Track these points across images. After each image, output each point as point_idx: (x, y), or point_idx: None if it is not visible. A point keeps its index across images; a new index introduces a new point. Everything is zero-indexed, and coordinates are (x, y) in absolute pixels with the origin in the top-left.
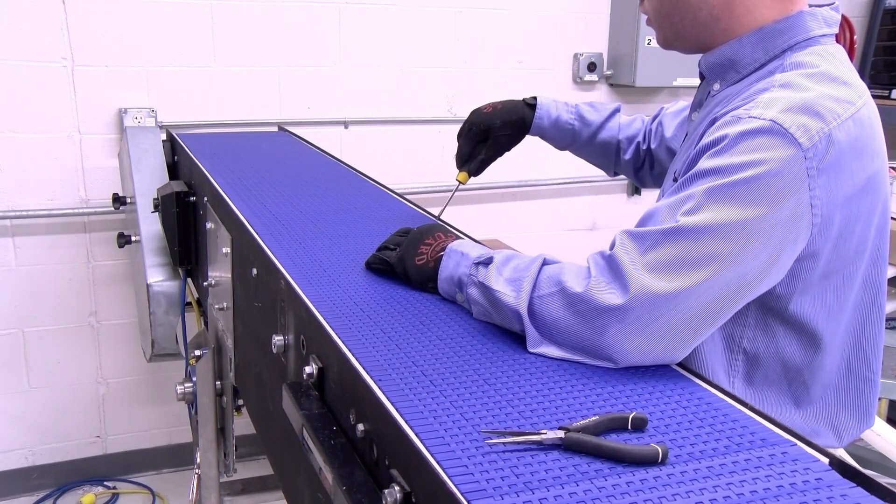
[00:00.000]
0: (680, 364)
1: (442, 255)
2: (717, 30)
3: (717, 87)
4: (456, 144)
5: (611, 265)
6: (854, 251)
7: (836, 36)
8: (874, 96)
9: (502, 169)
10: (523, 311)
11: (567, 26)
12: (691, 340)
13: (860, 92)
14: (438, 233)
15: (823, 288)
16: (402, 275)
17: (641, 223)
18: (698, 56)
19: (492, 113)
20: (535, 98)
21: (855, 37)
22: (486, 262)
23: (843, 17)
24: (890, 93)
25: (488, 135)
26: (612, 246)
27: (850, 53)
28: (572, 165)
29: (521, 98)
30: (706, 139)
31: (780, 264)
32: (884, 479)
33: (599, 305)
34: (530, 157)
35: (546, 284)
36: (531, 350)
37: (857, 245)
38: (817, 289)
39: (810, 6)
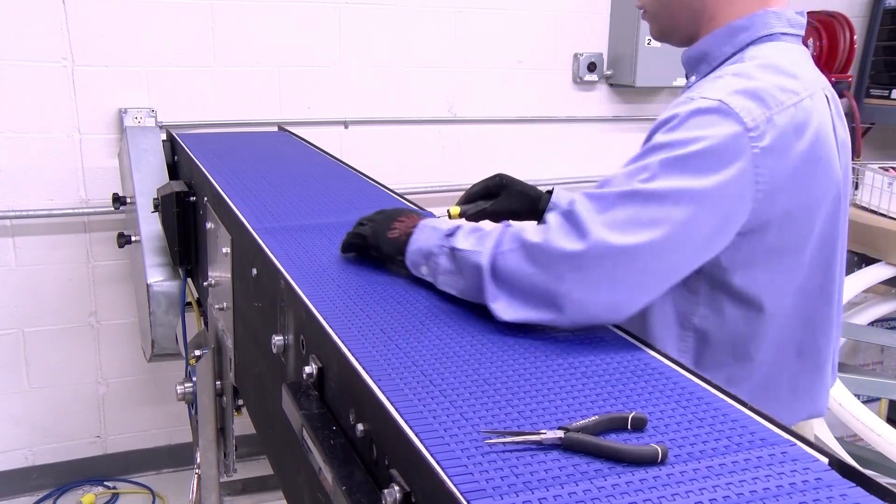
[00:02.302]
0: (680, 364)
1: (414, 230)
2: (705, 23)
3: (693, 79)
4: (456, 144)
5: (569, 218)
6: (801, 234)
7: (836, 36)
8: (874, 96)
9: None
10: (485, 265)
11: (567, 26)
12: (639, 296)
13: (808, 85)
14: (413, 213)
15: (770, 266)
16: (375, 247)
17: (599, 188)
18: None
19: (522, 184)
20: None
21: (855, 37)
22: (455, 232)
23: (843, 17)
24: (890, 93)
25: (501, 192)
26: (571, 204)
27: (850, 53)
28: (573, 165)
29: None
30: (661, 117)
31: (725, 231)
32: (884, 479)
33: (556, 251)
34: (530, 156)
35: (508, 241)
36: (490, 304)
37: (804, 228)
38: (764, 266)
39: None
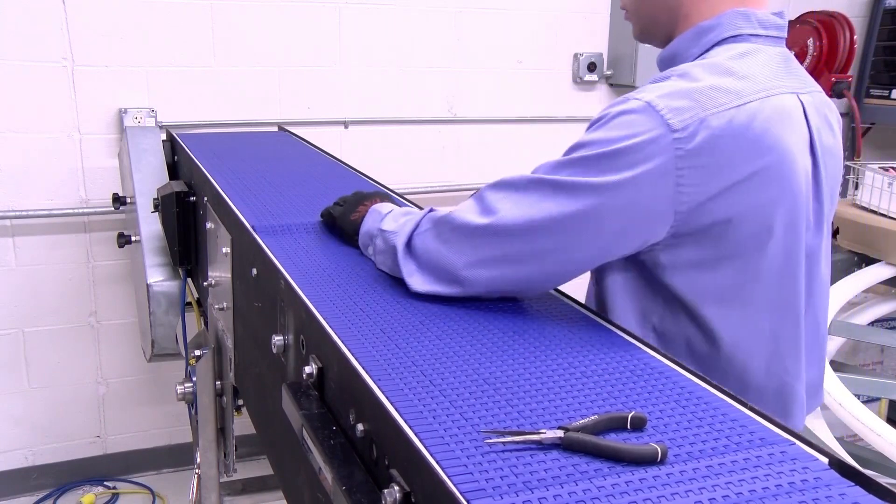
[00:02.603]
0: (680, 364)
1: (366, 214)
2: (681, 22)
3: None
4: (456, 144)
5: (479, 196)
6: (750, 244)
7: (836, 36)
8: (874, 96)
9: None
10: (402, 244)
11: (567, 26)
12: (536, 277)
13: (759, 88)
14: (378, 197)
15: (717, 275)
16: (340, 227)
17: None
18: None
19: None
20: None
21: (855, 37)
22: (386, 216)
23: (843, 17)
24: (890, 93)
25: None
26: (486, 186)
27: (850, 53)
28: None
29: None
30: (596, 115)
31: (636, 231)
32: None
33: (460, 225)
34: (530, 157)
35: (425, 222)
36: (406, 279)
37: (753, 238)
38: (709, 275)
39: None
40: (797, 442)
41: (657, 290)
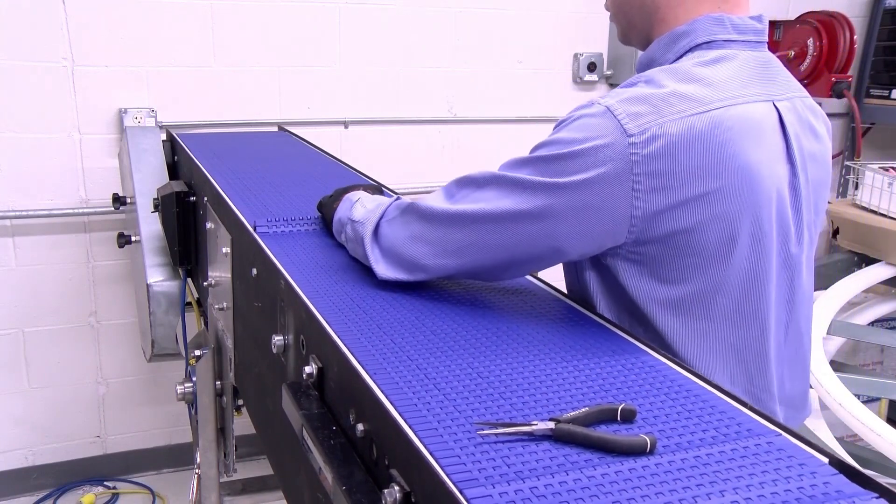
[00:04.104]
0: (670, 357)
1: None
2: (657, 25)
3: None
4: (456, 144)
5: (446, 188)
6: (713, 254)
7: (836, 36)
8: (874, 96)
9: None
10: (369, 232)
11: (567, 26)
12: (490, 268)
13: (726, 96)
14: (363, 188)
15: (678, 287)
16: (326, 217)
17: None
18: None
19: None
20: None
21: (855, 37)
22: (355, 204)
23: (843, 17)
24: (890, 93)
25: None
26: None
27: (850, 53)
28: None
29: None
30: (562, 117)
31: (590, 232)
32: (884, 479)
33: (425, 213)
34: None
35: (391, 211)
36: (372, 266)
37: (714, 246)
38: (669, 286)
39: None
40: (783, 433)
41: (619, 297)
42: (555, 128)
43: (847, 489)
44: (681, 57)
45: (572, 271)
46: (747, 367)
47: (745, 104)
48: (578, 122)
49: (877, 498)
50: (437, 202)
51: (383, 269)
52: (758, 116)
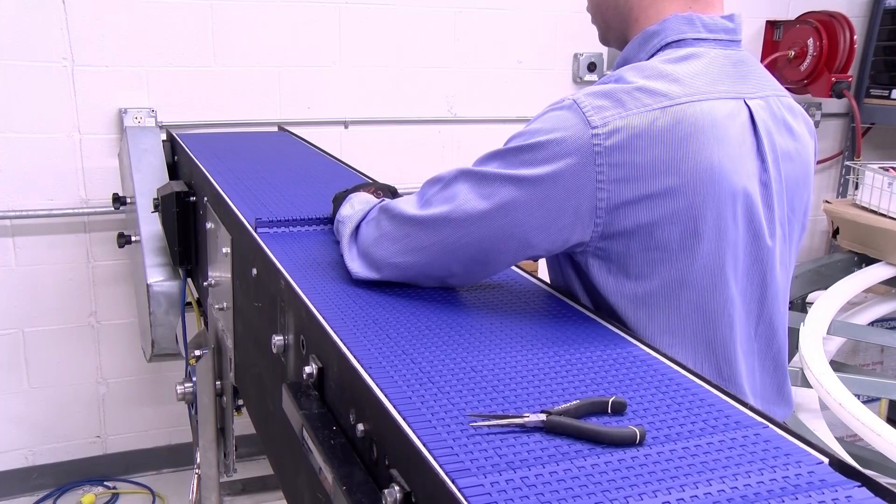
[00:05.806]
0: (664, 354)
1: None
2: (632, 25)
3: None
4: (456, 144)
5: (420, 189)
6: (674, 247)
7: (836, 36)
8: (874, 96)
9: None
10: (350, 232)
11: (567, 26)
12: (464, 271)
13: (691, 92)
14: (372, 188)
15: (643, 282)
16: (333, 213)
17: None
18: None
19: None
20: None
21: (855, 37)
22: (344, 204)
23: (843, 17)
24: (890, 93)
25: None
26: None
27: (850, 53)
28: None
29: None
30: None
31: (555, 224)
32: (884, 479)
33: (396, 214)
34: None
35: (373, 212)
36: (347, 265)
37: (678, 241)
38: (635, 281)
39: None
40: (770, 425)
41: (592, 294)
42: (529, 122)
43: (830, 478)
44: (653, 56)
45: (556, 270)
46: (717, 360)
47: (711, 100)
48: (547, 115)
49: (858, 486)
50: (408, 204)
51: (357, 268)
52: (724, 113)
